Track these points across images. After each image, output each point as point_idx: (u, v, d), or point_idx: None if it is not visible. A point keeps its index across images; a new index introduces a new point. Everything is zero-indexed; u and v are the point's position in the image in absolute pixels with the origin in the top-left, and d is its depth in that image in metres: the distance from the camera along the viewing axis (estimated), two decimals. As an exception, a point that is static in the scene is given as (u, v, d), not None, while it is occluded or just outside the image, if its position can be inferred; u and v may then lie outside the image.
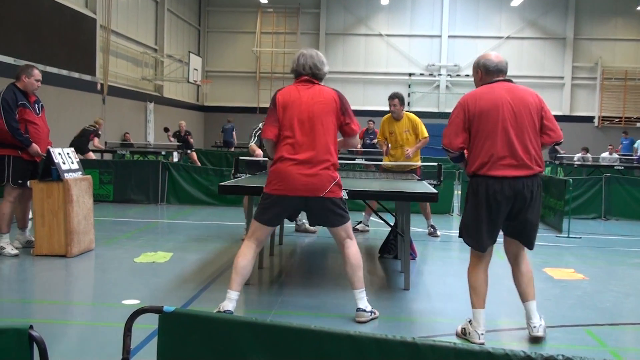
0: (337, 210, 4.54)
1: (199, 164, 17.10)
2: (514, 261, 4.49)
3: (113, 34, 18.96)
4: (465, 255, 7.68)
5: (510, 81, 4.30)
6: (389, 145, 8.66)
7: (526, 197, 4.13)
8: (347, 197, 4.93)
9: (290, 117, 4.48)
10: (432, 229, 9.00)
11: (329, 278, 6.28)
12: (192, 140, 18.72)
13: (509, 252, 4.50)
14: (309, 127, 4.45)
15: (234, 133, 22.59)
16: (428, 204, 8.70)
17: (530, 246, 4.39)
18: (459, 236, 4.46)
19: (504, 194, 4.10)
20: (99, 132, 14.59)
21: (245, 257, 4.56)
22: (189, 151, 17.64)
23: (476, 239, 4.28)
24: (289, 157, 4.44)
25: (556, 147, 21.75)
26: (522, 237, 4.34)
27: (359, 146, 15.46)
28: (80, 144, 13.50)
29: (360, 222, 9.06)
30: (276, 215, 4.62)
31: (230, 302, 4.47)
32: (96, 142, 14.52)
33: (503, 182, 4.08)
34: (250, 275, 5.79)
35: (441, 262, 7.36)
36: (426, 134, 8.59)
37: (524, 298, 4.44)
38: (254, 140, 8.27)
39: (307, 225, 8.94)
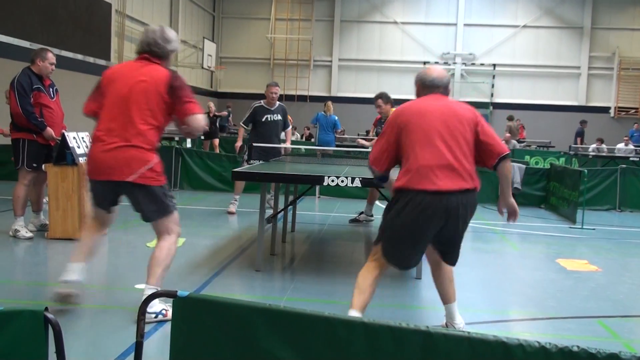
0: (151, 202, 4.10)
1: (217, 150, 17.19)
2: (435, 264, 4.17)
3: (128, 19, 18.96)
4: (477, 245, 7.69)
5: (446, 95, 3.95)
6: None
7: (458, 216, 3.69)
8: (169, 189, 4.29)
9: (110, 93, 4.10)
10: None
11: (341, 265, 6.28)
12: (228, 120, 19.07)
13: (430, 257, 4.16)
14: (123, 106, 4.02)
15: (229, 119, 22.63)
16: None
17: (453, 264, 4.08)
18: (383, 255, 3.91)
19: (435, 208, 3.64)
20: None
21: (85, 233, 4.45)
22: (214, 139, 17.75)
23: (400, 259, 3.89)
24: (99, 135, 4.08)
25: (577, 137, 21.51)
26: (446, 257, 4.03)
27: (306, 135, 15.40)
28: None
29: (361, 213, 8.92)
30: (99, 199, 4.30)
31: (74, 273, 4.25)
32: None
33: (434, 196, 3.62)
34: (262, 262, 5.82)
35: (453, 252, 7.33)
36: None
37: (445, 300, 4.21)
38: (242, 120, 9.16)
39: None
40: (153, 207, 4.12)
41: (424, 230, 3.70)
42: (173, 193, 4.19)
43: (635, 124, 23.25)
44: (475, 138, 3.77)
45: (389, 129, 3.82)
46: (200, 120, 4.11)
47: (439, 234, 3.75)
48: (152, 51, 4.18)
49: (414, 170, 3.67)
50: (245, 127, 9.33)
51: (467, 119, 3.77)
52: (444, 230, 3.72)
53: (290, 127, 9.60)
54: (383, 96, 8.52)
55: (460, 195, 3.66)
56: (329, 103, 14.09)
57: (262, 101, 9.21)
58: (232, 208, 9.19)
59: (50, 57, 6.78)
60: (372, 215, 8.97)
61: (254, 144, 8.56)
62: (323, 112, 13.78)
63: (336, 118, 13.82)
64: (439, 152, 3.66)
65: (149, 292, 3.96)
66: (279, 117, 9.10)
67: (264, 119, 8.99)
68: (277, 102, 9.21)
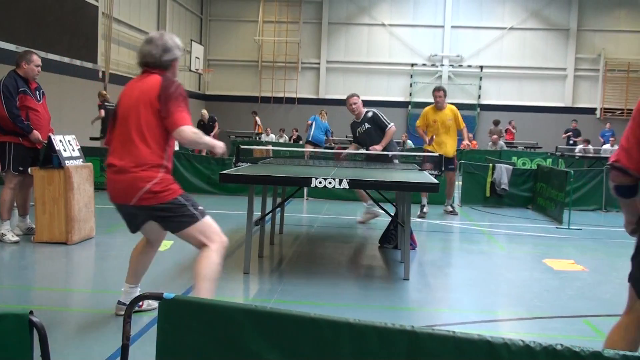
0: (165, 217, 3.89)
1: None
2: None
3: (115, 22, 18.89)
4: (464, 246, 7.72)
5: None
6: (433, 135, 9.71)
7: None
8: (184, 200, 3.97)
9: (117, 116, 3.96)
10: (451, 208, 10.19)
11: (329, 267, 6.28)
12: (217, 128, 19.36)
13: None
14: (124, 125, 3.85)
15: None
16: (454, 183, 10.08)
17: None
18: None
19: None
20: (105, 105, 14.47)
21: (133, 253, 4.40)
22: None
23: None
24: (108, 158, 3.95)
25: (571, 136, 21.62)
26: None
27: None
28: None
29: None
30: (125, 221, 4.11)
31: (126, 294, 4.34)
32: (102, 113, 14.42)
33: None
34: (250, 264, 5.82)
35: (441, 253, 7.36)
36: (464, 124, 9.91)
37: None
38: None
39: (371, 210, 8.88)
40: (170, 223, 3.89)
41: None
42: (194, 199, 4.00)
43: (608, 124, 23.46)
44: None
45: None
46: (186, 134, 3.72)
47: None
48: (148, 62, 3.97)
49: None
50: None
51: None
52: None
53: None
54: (445, 90, 9.94)
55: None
56: (323, 112, 15.17)
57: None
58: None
59: (36, 59, 6.75)
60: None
61: (242, 147, 8.55)
62: (319, 116, 14.65)
63: (328, 126, 14.71)
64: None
65: None
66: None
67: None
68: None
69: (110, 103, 14.40)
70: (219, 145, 3.96)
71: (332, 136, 15.57)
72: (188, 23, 26.50)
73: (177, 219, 3.84)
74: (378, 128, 8.24)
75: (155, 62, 3.95)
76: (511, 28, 26.94)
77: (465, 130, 9.97)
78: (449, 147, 9.73)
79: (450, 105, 9.88)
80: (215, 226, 3.97)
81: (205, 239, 3.88)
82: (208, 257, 3.85)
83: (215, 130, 19.44)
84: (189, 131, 3.73)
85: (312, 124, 14.55)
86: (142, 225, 4.06)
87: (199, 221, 3.88)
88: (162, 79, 3.86)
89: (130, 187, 3.76)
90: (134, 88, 3.92)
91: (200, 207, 3.96)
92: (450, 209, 10.21)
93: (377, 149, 8.05)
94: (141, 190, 3.74)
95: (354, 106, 8.35)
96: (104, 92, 15.00)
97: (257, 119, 23.53)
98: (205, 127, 18.83)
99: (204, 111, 19.72)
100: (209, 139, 3.94)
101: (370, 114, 8.35)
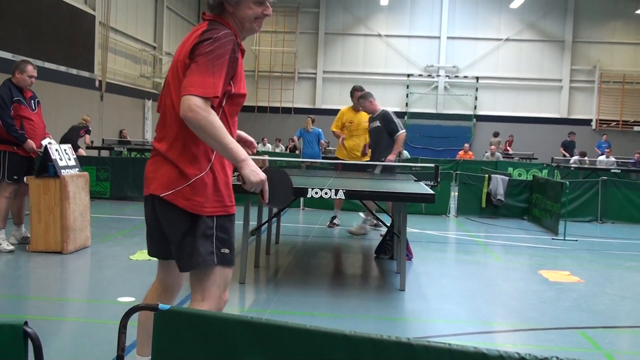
0: (188, 234, 2.71)
1: None
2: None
3: (112, 31, 18.92)
4: (460, 256, 7.72)
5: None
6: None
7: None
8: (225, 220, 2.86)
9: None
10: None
11: (325, 277, 6.28)
12: None
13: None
14: (166, 90, 2.75)
15: None
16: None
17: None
18: None
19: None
20: (90, 129, 14.50)
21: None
22: None
23: None
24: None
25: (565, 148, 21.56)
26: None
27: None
28: (68, 141, 13.45)
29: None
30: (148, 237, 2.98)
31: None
32: (87, 139, 14.43)
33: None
34: (246, 274, 5.81)
35: (437, 263, 7.36)
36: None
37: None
38: None
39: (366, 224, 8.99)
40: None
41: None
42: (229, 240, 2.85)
43: (604, 135, 23.57)
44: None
45: None
46: (189, 108, 2.46)
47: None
48: (207, 3, 2.80)
49: None
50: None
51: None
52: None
53: None
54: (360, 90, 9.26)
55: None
56: (308, 119, 14.21)
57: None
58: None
59: (30, 70, 6.75)
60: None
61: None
62: (304, 129, 14.04)
63: (319, 130, 14.00)
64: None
65: None
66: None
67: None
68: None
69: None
70: (255, 174, 2.64)
71: (325, 140, 14.87)
72: (185, 32, 26.55)
73: (197, 247, 2.78)
74: (388, 130, 8.38)
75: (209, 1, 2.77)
76: (507, 39, 27.09)
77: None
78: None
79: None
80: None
81: (204, 290, 2.94)
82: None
83: None
84: (195, 106, 2.47)
85: (299, 139, 14.39)
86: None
87: (214, 266, 2.82)
88: (207, 24, 2.70)
89: (164, 172, 2.83)
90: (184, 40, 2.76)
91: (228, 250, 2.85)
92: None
93: (391, 160, 8.20)
94: (176, 183, 2.74)
95: (368, 104, 8.67)
96: (88, 117, 14.79)
97: None
98: None
99: None
100: (236, 146, 2.58)
101: (382, 112, 8.59)
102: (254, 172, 2.63)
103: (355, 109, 9.11)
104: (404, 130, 8.46)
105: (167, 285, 3.11)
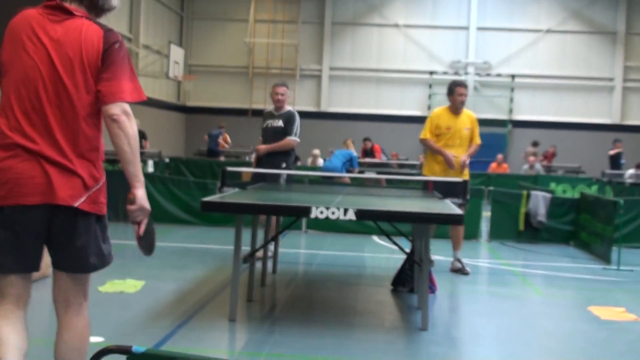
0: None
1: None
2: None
3: (80, 20, 19.03)
4: (494, 289, 7.68)
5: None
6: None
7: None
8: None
9: (15, 67, 3.13)
10: (458, 264, 8.39)
11: (331, 314, 6.25)
12: (147, 147, 19.13)
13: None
14: (50, 87, 3.11)
15: (220, 139, 22.56)
16: (462, 227, 8.38)
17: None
18: None
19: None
20: None
21: None
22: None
23: None
24: (10, 140, 3.08)
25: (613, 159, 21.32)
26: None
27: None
28: None
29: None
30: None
31: None
32: None
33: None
34: (237, 309, 5.78)
35: (466, 298, 7.32)
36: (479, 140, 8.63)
37: None
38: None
39: None
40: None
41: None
42: None
43: None
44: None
45: None
46: (124, 112, 3.17)
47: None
48: None
49: None
50: None
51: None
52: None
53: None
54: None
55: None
56: (349, 140, 15.52)
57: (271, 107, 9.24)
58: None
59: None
60: (462, 266, 8.35)
61: (229, 169, 8.56)
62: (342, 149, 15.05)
63: (354, 154, 14.46)
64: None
65: None
66: (280, 123, 8.94)
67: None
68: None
69: None
70: (147, 200, 3.32)
71: (358, 168, 15.24)
72: (166, 22, 26.73)
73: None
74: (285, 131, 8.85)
75: None
76: (548, 30, 27.13)
77: (475, 147, 8.64)
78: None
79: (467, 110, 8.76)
80: None
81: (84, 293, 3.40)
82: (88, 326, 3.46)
83: (146, 149, 18.71)
84: (128, 113, 3.19)
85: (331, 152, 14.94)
86: None
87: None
88: (97, 25, 3.24)
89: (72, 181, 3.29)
90: (54, 32, 3.13)
91: None
92: (458, 265, 8.43)
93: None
94: (86, 189, 3.30)
95: (280, 97, 9.05)
96: None
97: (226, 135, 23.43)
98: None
99: (137, 121, 19.45)
100: (140, 174, 3.28)
101: (290, 111, 9.10)
102: (146, 198, 3.27)
103: (454, 111, 8.49)
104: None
105: (22, 299, 3.46)
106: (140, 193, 3.24)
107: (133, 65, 3.28)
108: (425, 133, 8.49)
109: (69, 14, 3.17)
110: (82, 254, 3.20)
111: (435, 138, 8.40)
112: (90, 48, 3.11)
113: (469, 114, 8.61)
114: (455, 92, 8.40)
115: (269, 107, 9.47)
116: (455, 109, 8.46)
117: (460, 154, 8.31)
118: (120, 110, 3.10)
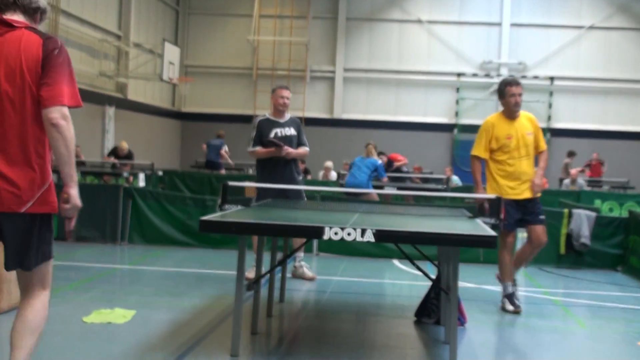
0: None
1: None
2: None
3: (63, 15, 19.17)
4: (532, 321, 7.63)
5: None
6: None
7: None
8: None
9: None
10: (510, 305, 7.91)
11: (345, 349, 6.23)
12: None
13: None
14: None
15: (222, 151, 22.33)
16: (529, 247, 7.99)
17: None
18: None
19: None
20: None
21: None
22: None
23: None
24: None
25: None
26: None
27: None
28: None
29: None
30: None
31: None
32: None
33: None
34: (240, 343, 5.76)
35: (500, 331, 7.29)
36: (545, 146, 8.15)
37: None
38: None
39: (305, 270, 9.23)
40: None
41: None
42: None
43: None
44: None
45: None
46: (63, 116, 3.82)
47: None
48: (7, 3, 3.92)
49: None
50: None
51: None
52: None
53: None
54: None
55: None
56: (371, 146, 14.95)
57: (266, 113, 9.15)
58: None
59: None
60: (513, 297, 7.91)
61: (231, 184, 8.54)
62: (361, 157, 14.74)
63: (379, 163, 14.42)
64: None
65: None
66: (292, 131, 8.99)
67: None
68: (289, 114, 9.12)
69: None
70: (79, 198, 4.00)
71: (385, 176, 15.13)
72: (160, 18, 26.88)
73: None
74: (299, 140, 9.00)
75: (25, 2, 3.94)
76: (591, 27, 27.13)
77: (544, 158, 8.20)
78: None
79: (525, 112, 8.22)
80: None
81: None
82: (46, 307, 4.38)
83: (80, 158, 18.46)
84: (67, 116, 3.82)
85: (350, 165, 14.83)
86: None
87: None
88: (38, 34, 3.87)
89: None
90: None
91: None
92: (511, 307, 7.86)
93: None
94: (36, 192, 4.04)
95: (287, 101, 8.97)
96: None
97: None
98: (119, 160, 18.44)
99: (124, 143, 19.21)
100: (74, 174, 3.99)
101: (297, 118, 9.12)
102: (78, 196, 3.95)
103: (510, 115, 7.97)
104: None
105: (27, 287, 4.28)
106: (74, 192, 3.90)
107: (73, 70, 3.89)
108: (479, 149, 7.97)
109: (9, 26, 3.79)
110: (27, 253, 4.04)
111: (492, 154, 7.92)
112: (30, 57, 3.73)
113: (528, 116, 8.09)
114: (507, 92, 7.86)
115: (263, 113, 9.39)
116: (511, 112, 7.93)
117: (529, 169, 7.88)
118: (59, 114, 3.71)
